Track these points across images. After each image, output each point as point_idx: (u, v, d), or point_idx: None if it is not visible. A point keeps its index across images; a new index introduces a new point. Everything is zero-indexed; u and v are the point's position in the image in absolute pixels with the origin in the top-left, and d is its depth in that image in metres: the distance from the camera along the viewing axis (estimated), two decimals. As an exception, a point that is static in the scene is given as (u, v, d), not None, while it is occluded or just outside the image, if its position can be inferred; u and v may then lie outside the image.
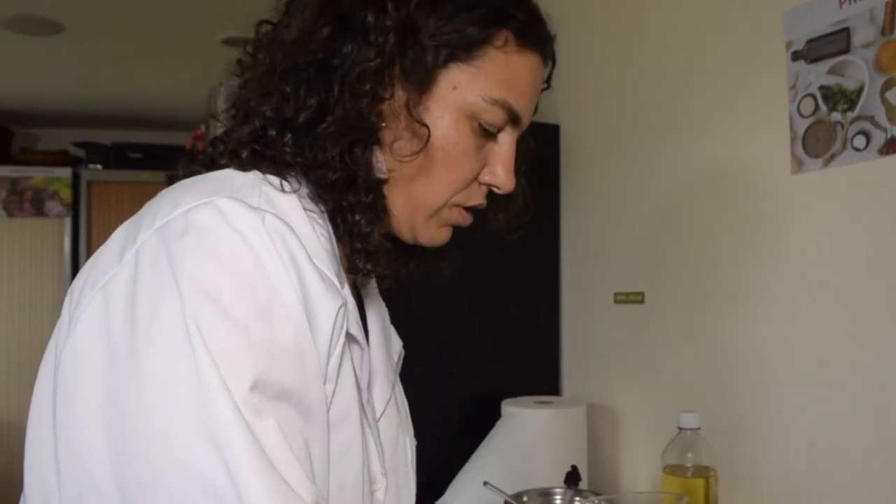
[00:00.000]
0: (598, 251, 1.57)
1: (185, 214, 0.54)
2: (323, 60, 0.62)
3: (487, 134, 0.67)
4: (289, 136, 0.62)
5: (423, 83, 0.63)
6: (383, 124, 0.63)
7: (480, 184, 0.69)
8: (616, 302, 1.49)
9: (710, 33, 1.28)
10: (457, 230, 0.72)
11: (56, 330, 0.58)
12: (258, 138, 0.62)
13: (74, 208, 3.56)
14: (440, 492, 1.45)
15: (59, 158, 3.66)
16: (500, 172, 0.68)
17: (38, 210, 3.52)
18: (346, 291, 0.61)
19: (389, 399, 0.72)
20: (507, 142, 0.68)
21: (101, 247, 0.59)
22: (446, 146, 0.65)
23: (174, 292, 0.51)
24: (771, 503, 1.12)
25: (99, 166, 3.69)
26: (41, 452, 0.55)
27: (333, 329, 0.56)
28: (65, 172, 3.57)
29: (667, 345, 1.35)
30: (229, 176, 0.61)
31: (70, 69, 3.09)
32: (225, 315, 0.51)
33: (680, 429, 1.01)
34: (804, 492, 1.06)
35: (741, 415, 1.17)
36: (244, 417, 0.49)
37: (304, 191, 0.62)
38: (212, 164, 0.64)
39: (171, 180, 0.64)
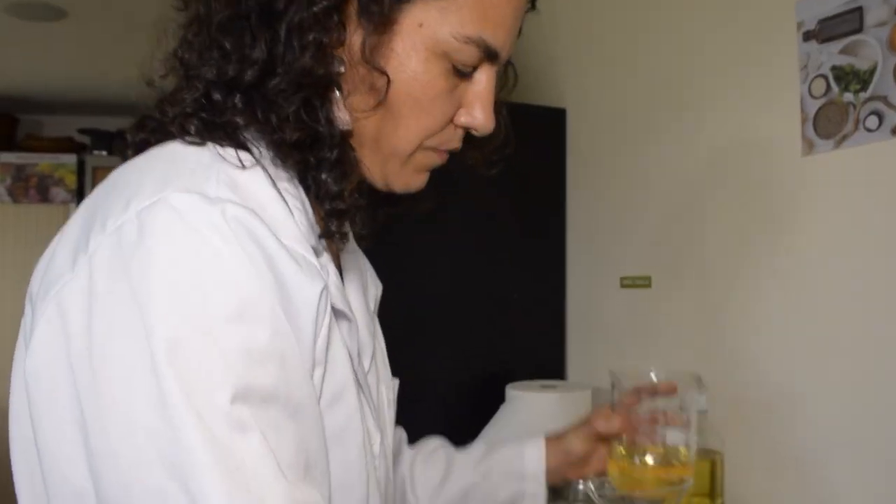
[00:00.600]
0: (605, 235, 1.56)
1: (138, 217, 0.49)
2: (265, 5, 0.55)
3: (461, 74, 0.60)
4: (237, 97, 0.56)
5: (382, 23, 0.56)
6: (341, 71, 0.57)
7: (457, 126, 0.63)
8: (622, 286, 1.48)
9: (720, 14, 1.27)
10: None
11: (21, 334, 0.54)
12: (203, 106, 0.56)
13: (79, 194, 3.56)
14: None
15: (64, 145, 3.66)
16: (478, 114, 0.62)
17: (44, 196, 3.52)
18: (327, 260, 0.59)
19: (373, 352, 0.71)
20: (484, 80, 0.62)
21: (59, 234, 0.55)
22: (415, 91, 0.59)
23: (132, 311, 0.47)
24: (779, 487, 1.11)
25: (104, 153, 3.69)
26: (30, 468, 0.53)
27: (317, 313, 0.53)
28: (70, 159, 3.57)
29: (673, 329, 1.34)
30: (182, 155, 0.55)
31: (73, 55, 3.08)
32: (191, 326, 0.47)
33: (686, 411, 1.00)
34: (813, 474, 1.05)
35: (749, 399, 1.16)
36: (217, 441, 0.46)
37: (268, 154, 0.57)
38: (162, 132, 0.58)
39: (123, 151, 0.60)
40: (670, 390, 0.80)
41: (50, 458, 0.50)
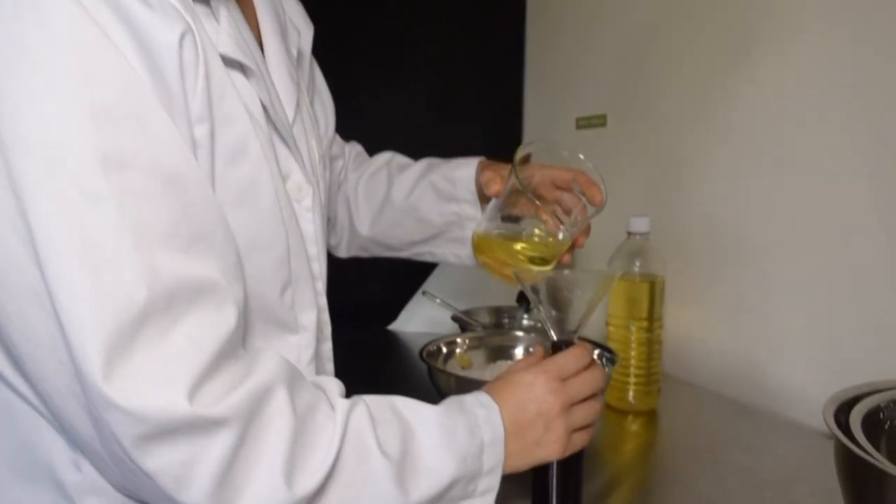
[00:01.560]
0: (562, 77, 1.51)
1: None
2: None
3: None
4: None
5: None
6: None
7: None
8: (578, 128, 1.44)
9: None
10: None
11: None
12: None
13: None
14: (395, 317, 1.45)
15: None
16: None
17: None
18: (203, 9, 0.54)
19: (297, 103, 0.68)
20: None
21: None
22: None
23: None
24: (714, 318, 1.12)
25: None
26: None
27: (181, 62, 0.48)
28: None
29: (627, 168, 1.31)
30: None
31: None
32: (29, 92, 0.43)
33: (629, 234, 0.99)
34: (752, 312, 1.06)
35: (694, 237, 1.15)
36: (68, 213, 0.43)
37: None
38: None
39: None
40: (570, 180, 0.78)
41: None
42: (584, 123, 1.42)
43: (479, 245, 0.80)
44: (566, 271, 0.67)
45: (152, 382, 0.43)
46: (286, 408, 0.49)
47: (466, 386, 0.89)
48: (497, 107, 1.62)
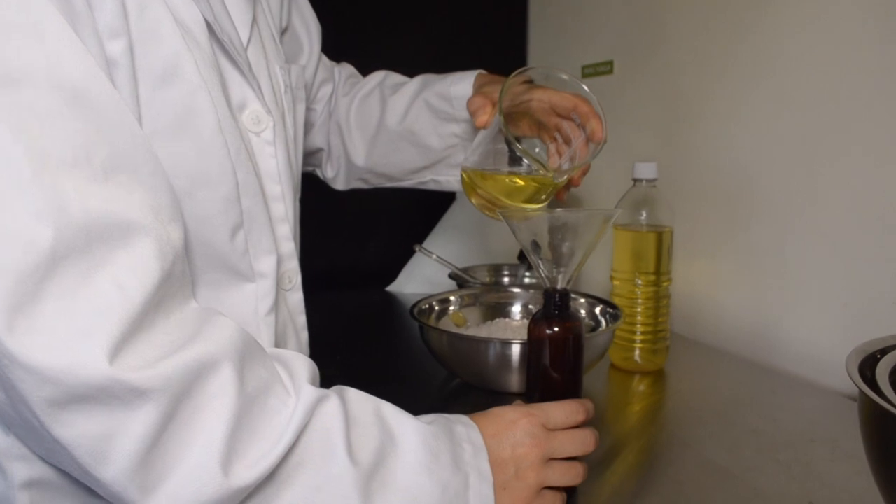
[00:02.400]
0: (567, 24, 1.43)
1: None
2: None
3: None
4: None
5: None
6: None
7: None
8: (584, 76, 1.36)
9: None
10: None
11: None
12: None
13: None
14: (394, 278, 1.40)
15: None
16: None
17: None
18: None
19: (254, 21, 0.61)
20: None
21: None
22: None
23: None
24: (726, 272, 1.05)
25: None
26: None
27: None
28: None
29: (633, 115, 1.23)
30: None
31: None
32: None
33: (635, 181, 0.92)
34: (764, 263, 0.99)
35: (704, 184, 1.08)
36: None
37: None
38: None
39: None
40: (571, 108, 0.69)
41: None
42: (591, 71, 1.34)
43: (468, 182, 0.73)
44: (559, 210, 0.60)
45: (64, 337, 0.37)
46: (230, 386, 0.43)
47: (459, 344, 0.83)
48: (501, 55, 1.55)
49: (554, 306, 0.60)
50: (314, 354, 0.71)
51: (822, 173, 0.90)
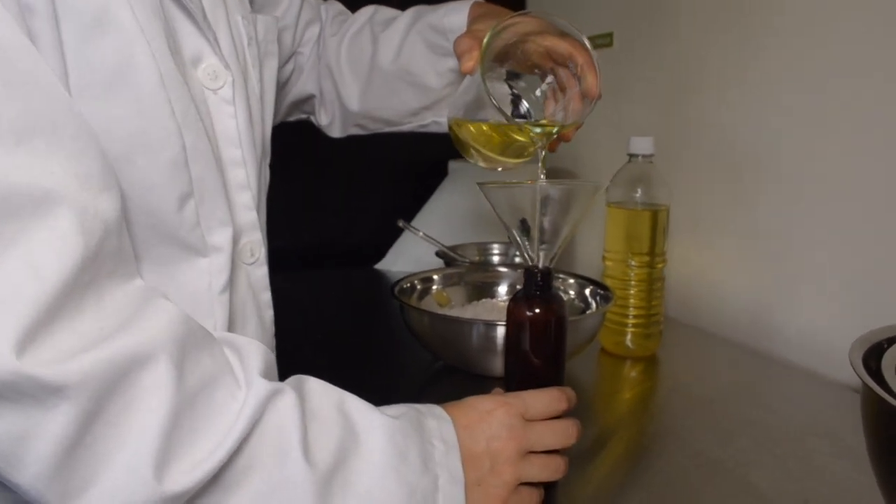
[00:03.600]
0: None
1: None
2: None
3: None
4: None
5: None
6: None
7: None
8: (583, 49, 1.31)
9: None
10: None
11: None
12: None
13: None
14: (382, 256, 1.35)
15: None
16: None
17: None
18: None
19: None
20: None
21: None
22: None
23: None
24: (723, 253, 1.00)
25: None
26: None
27: None
28: None
29: (633, 83, 1.18)
30: None
31: None
32: None
33: (630, 156, 0.87)
34: (764, 244, 0.94)
35: (704, 153, 1.03)
36: None
37: None
38: None
39: None
40: (567, 54, 0.62)
41: None
42: (591, 44, 1.29)
43: (453, 129, 0.68)
44: (542, 182, 0.55)
45: None
46: (166, 379, 0.38)
47: (441, 325, 0.79)
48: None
49: (535, 286, 0.55)
50: (288, 334, 0.66)
51: (829, 150, 0.85)
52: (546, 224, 0.55)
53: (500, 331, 0.75)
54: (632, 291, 0.88)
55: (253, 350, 0.44)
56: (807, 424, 0.71)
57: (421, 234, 1.11)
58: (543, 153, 0.61)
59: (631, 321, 0.88)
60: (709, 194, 1.03)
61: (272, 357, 0.46)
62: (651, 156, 0.87)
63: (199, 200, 0.50)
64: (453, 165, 1.32)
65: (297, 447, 0.41)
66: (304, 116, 0.89)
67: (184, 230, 0.49)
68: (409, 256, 1.29)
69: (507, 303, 0.93)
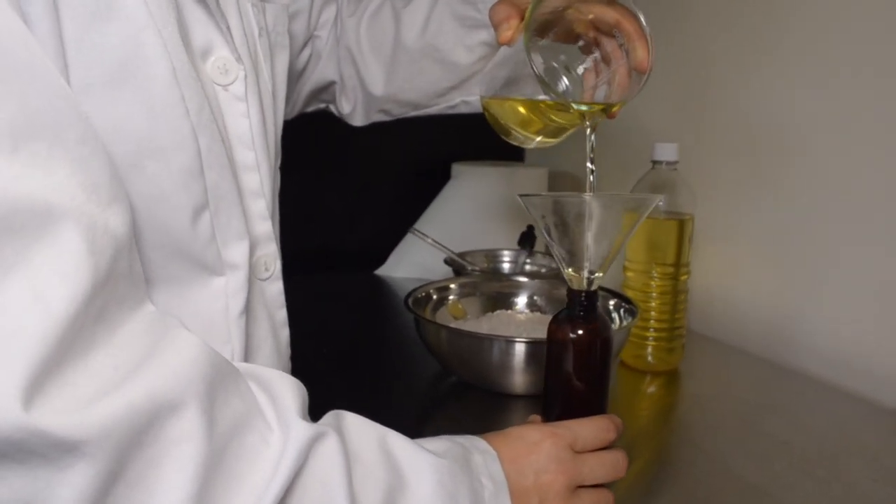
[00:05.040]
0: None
1: None
2: None
3: None
4: None
5: None
6: None
7: None
8: (591, 50, 1.27)
9: None
10: None
11: None
12: None
13: None
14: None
15: None
16: None
17: None
18: None
19: None
20: None
21: None
22: None
23: None
24: (748, 263, 0.98)
25: None
26: None
27: None
28: None
29: (653, 84, 1.14)
30: None
31: None
32: None
33: (654, 163, 0.84)
34: (791, 254, 0.91)
35: (728, 158, 1.00)
36: None
37: None
38: None
39: None
40: (614, 23, 0.55)
41: None
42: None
43: (488, 108, 0.63)
44: (587, 194, 0.51)
45: None
46: (197, 431, 0.33)
47: (459, 340, 0.75)
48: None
49: (580, 307, 0.52)
50: (295, 348, 0.62)
51: (860, 149, 0.82)
52: (590, 240, 0.51)
53: (521, 347, 0.71)
54: (653, 304, 0.84)
55: (284, 385, 0.40)
56: (843, 444, 0.69)
57: (430, 240, 1.07)
58: (593, 136, 0.56)
59: (652, 334, 0.85)
60: (730, 200, 0.99)
61: (304, 391, 0.42)
62: (675, 163, 0.84)
63: (214, 212, 0.45)
64: (457, 168, 1.27)
65: (344, 497, 0.37)
66: (322, 106, 0.84)
67: (198, 246, 0.44)
68: (411, 262, 1.25)
69: (525, 315, 0.90)
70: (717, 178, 1.01)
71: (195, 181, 0.43)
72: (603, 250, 0.51)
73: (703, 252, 1.02)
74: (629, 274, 0.86)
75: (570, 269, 0.52)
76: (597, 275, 0.52)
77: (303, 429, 0.37)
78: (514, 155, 1.49)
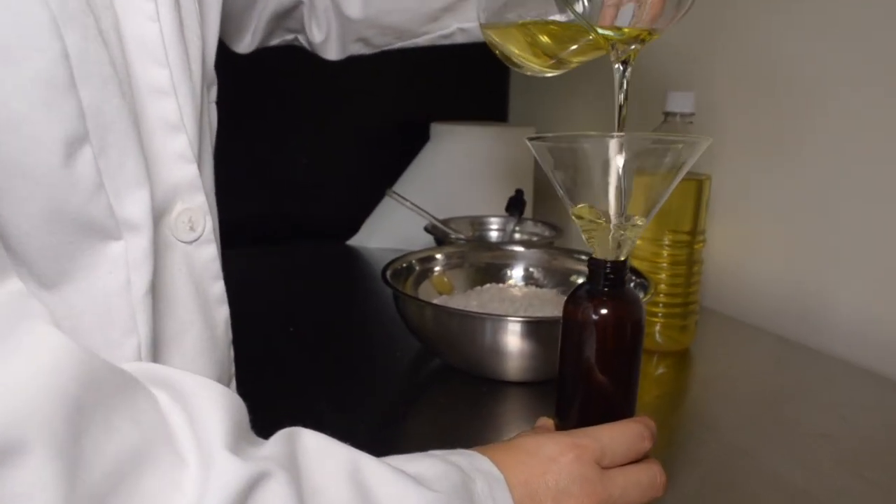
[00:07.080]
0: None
1: None
2: None
3: None
4: None
5: None
6: None
7: None
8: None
9: None
10: None
11: None
12: None
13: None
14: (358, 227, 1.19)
15: None
16: None
17: None
18: None
19: None
20: None
21: None
22: None
23: None
24: (766, 233, 0.88)
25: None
26: None
27: None
28: None
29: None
30: None
31: None
32: None
33: (666, 114, 0.73)
34: (813, 223, 0.82)
35: (743, 113, 0.90)
36: None
37: None
38: None
39: None
40: None
41: None
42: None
43: (490, 36, 0.53)
44: (618, 134, 0.41)
45: None
46: (49, 481, 0.22)
47: (445, 319, 0.64)
48: None
49: (605, 280, 0.41)
50: (252, 327, 0.50)
51: (894, 107, 0.72)
52: (619, 196, 0.40)
53: (517, 327, 0.61)
54: (663, 275, 0.74)
55: (211, 399, 0.28)
56: (864, 428, 0.60)
57: (409, 204, 0.95)
58: (628, 71, 0.45)
59: (661, 310, 0.75)
60: (749, 161, 0.89)
61: (240, 403, 0.30)
62: (691, 115, 0.73)
63: (97, 148, 0.32)
64: (436, 128, 1.16)
65: None
66: (290, 38, 0.71)
67: (77, 198, 0.31)
68: (388, 231, 1.13)
69: (520, 289, 0.79)
70: (732, 135, 0.90)
71: (63, 99, 0.30)
72: (637, 210, 0.40)
73: (717, 219, 0.92)
74: (637, 242, 0.76)
75: (592, 234, 0.42)
76: (627, 240, 0.41)
77: (232, 467, 0.26)
78: (497, 114, 1.38)
